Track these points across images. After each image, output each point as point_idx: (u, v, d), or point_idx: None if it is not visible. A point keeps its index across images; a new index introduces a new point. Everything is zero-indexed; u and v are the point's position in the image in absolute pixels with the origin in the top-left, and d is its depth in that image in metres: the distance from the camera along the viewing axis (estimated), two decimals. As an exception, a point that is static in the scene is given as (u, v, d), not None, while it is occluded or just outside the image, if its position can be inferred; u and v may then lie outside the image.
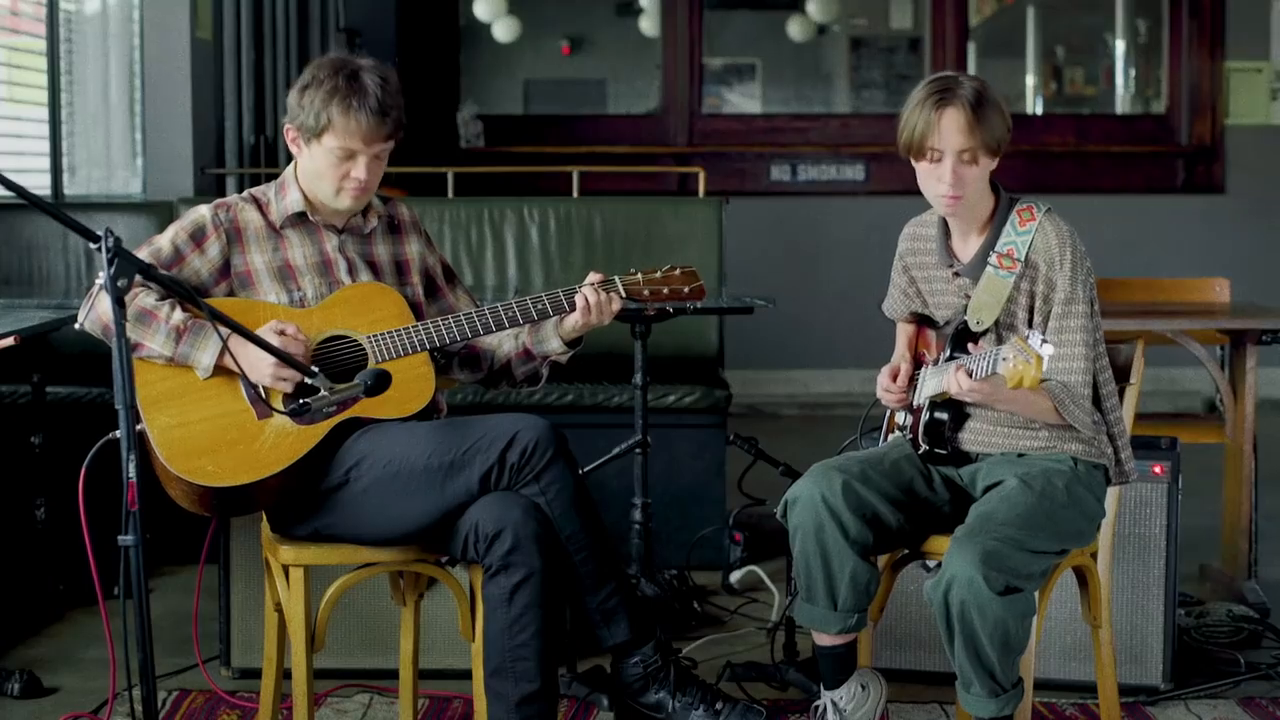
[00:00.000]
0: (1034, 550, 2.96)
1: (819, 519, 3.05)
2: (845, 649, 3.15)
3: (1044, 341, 2.79)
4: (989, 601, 2.86)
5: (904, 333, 3.37)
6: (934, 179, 3.07)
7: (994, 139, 3.04)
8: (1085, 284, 3.09)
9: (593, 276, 3.20)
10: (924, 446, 3.19)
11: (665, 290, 3.23)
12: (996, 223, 3.12)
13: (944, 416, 3.18)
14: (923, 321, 3.33)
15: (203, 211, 3.17)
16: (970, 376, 2.96)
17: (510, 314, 3.16)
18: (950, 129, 3.02)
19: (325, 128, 3.09)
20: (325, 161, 3.12)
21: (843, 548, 3.05)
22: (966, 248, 3.17)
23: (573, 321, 3.20)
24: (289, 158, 3.25)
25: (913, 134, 3.04)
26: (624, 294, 3.20)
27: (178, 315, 3.02)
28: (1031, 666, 3.07)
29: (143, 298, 3.02)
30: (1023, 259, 3.08)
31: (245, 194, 3.24)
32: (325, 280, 3.17)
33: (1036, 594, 2.98)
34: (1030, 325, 3.10)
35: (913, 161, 3.09)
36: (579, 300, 3.16)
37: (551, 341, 3.24)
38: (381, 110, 3.09)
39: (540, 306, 3.17)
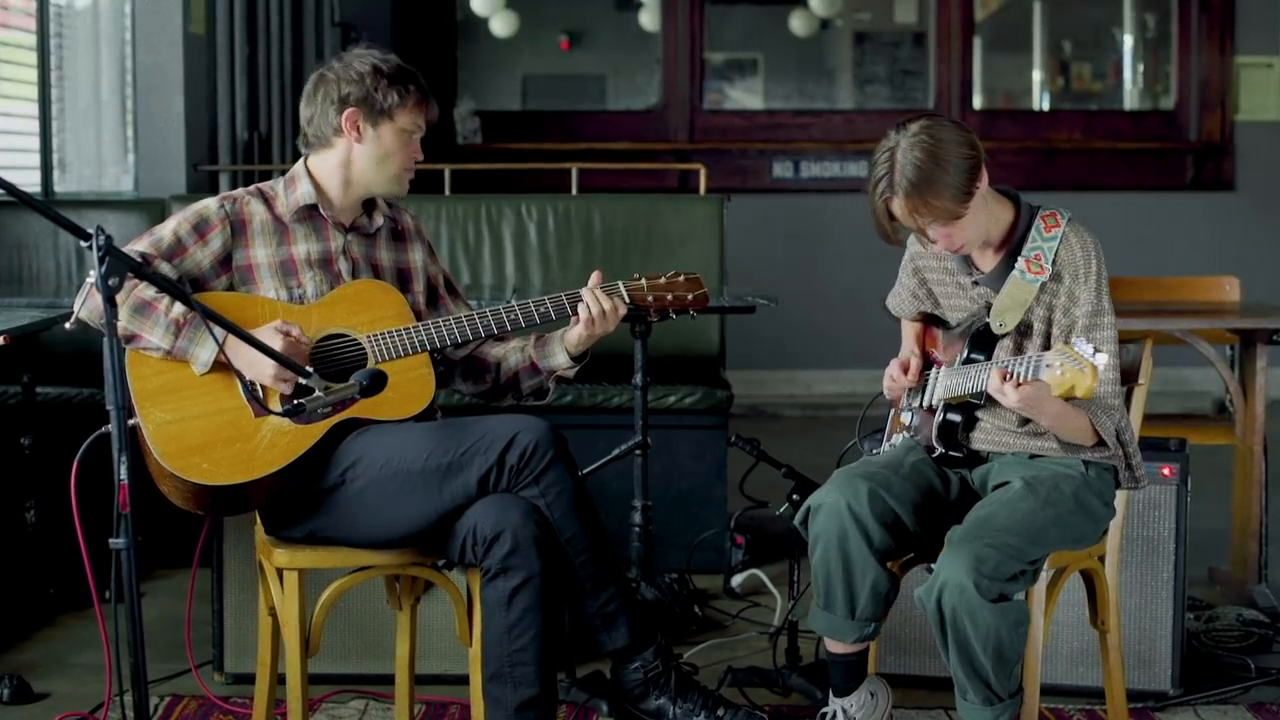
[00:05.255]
0: (1031, 561, 2.93)
1: (843, 527, 3.01)
2: (857, 657, 3.14)
3: (1096, 350, 2.74)
4: (980, 608, 2.83)
5: (911, 330, 3.34)
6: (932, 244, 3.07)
7: (953, 198, 2.95)
8: (1109, 296, 3.05)
9: (594, 279, 3.14)
10: (939, 449, 3.14)
11: (669, 296, 3.20)
12: (1019, 232, 3.09)
13: (957, 419, 3.14)
14: (930, 321, 3.29)
15: (209, 203, 3.15)
16: (1005, 380, 2.88)
17: (513, 317, 3.11)
18: (905, 218, 3.00)
19: (403, 103, 3.13)
20: (397, 141, 3.14)
21: (866, 556, 3.01)
22: (986, 259, 3.14)
23: (577, 333, 3.15)
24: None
25: (883, 231, 3.04)
26: (627, 299, 3.15)
27: (178, 308, 2.99)
28: (1038, 672, 3.06)
29: (143, 289, 2.99)
30: (1050, 263, 3.03)
31: (252, 188, 3.23)
32: (326, 278, 3.15)
33: (1024, 593, 2.95)
34: (1047, 334, 3.06)
35: None
36: (580, 309, 3.10)
37: (557, 356, 3.19)
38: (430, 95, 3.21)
39: (543, 310, 3.12)
